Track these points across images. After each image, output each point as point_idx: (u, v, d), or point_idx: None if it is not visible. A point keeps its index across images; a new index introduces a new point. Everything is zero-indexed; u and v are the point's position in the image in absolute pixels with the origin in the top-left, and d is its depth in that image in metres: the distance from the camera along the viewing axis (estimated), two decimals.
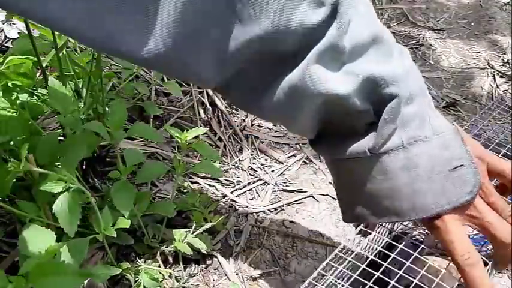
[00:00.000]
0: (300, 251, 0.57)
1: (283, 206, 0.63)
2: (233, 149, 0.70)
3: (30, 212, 0.44)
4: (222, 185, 0.64)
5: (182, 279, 0.52)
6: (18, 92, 0.49)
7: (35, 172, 0.42)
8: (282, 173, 0.68)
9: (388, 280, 0.36)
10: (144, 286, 0.47)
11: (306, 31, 0.32)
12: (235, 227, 0.59)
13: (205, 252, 0.54)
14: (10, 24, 0.84)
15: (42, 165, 0.45)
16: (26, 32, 0.49)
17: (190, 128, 0.70)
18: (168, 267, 0.53)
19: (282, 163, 0.70)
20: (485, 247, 0.42)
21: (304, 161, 0.71)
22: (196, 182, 0.64)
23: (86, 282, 0.47)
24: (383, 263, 0.38)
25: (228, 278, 0.53)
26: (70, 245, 0.41)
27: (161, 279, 0.50)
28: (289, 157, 0.71)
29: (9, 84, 0.49)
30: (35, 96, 0.54)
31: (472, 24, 1.10)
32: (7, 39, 0.82)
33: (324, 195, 0.65)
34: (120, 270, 0.47)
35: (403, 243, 0.39)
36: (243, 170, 0.68)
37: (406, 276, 0.36)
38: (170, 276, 0.51)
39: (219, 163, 0.67)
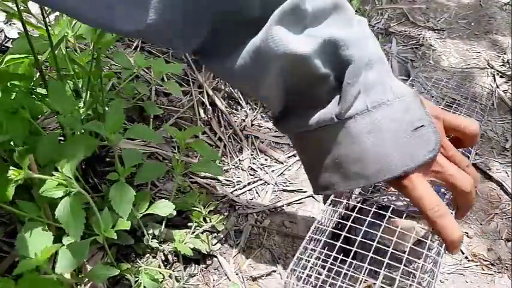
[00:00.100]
0: None
1: (283, 206, 0.63)
2: (233, 149, 0.70)
3: (30, 212, 0.44)
4: (222, 185, 0.64)
5: (182, 279, 0.52)
6: (18, 92, 0.49)
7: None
8: (282, 173, 0.68)
9: (355, 237, 0.38)
10: (144, 286, 0.47)
11: None
12: (235, 227, 0.59)
13: (205, 252, 0.54)
14: (10, 24, 0.84)
15: (42, 166, 0.45)
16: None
17: (190, 128, 0.70)
18: (168, 267, 0.53)
19: (282, 163, 0.70)
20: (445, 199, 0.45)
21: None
22: (196, 182, 0.64)
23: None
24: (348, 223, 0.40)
25: (228, 278, 0.53)
26: (70, 246, 0.41)
27: (161, 280, 0.50)
28: (289, 157, 0.71)
29: (8, 84, 0.49)
30: (34, 96, 0.54)
31: (472, 24, 1.10)
32: (7, 39, 0.82)
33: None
34: (120, 270, 0.47)
35: (369, 206, 0.41)
36: (243, 170, 0.68)
37: (371, 232, 0.39)
38: (170, 277, 0.51)
39: (219, 163, 0.67)
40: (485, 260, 0.58)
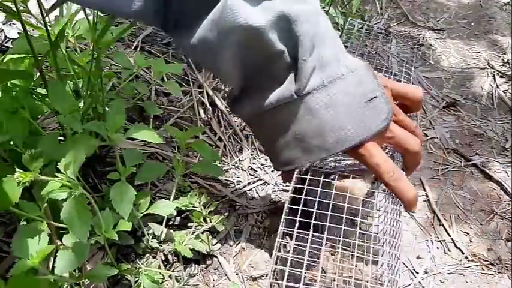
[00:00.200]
0: None
1: (283, 206, 0.63)
2: (233, 149, 0.70)
3: (30, 212, 0.44)
4: (222, 185, 0.64)
5: (182, 279, 0.52)
6: (18, 92, 0.49)
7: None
8: None
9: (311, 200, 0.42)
10: (144, 287, 0.47)
11: None
12: (235, 227, 0.59)
13: (205, 253, 0.54)
14: (10, 24, 0.84)
15: (43, 166, 0.45)
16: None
17: (190, 128, 0.70)
18: (168, 268, 0.53)
19: None
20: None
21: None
22: (196, 182, 0.64)
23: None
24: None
25: (228, 278, 0.53)
26: (72, 246, 0.41)
27: (161, 280, 0.50)
28: None
29: (9, 84, 0.49)
30: (34, 96, 0.54)
31: (472, 24, 1.10)
32: (7, 39, 0.82)
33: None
34: (120, 270, 0.47)
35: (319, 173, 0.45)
36: (243, 170, 0.68)
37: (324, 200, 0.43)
38: (170, 277, 0.51)
39: (219, 163, 0.67)
40: (485, 260, 0.58)
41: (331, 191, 0.44)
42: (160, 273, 0.51)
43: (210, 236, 0.56)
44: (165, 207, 0.52)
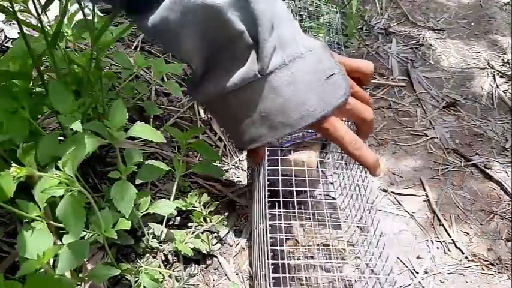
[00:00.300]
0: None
1: None
2: (233, 149, 0.70)
3: (30, 212, 0.44)
4: (222, 185, 0.64)
5: (182, 279, 0.52)
6: (18, 92, 0.49)
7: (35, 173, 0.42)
8: None
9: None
10: (144, 286, 0.47)
11: None
12: (235, 227, 0.59)
13: (205, 252, 0.54)
14: (10, 24, 0.84)
15: (43, 165, 0.45)
16: (26, 32, 0.49)
17: (190, 128, 0.70)
18: (168, 267, 0.53)
19: None
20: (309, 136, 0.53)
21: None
22: (196, 182, 0.64)
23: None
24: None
25: (228, 278, 0.53)
26: (71, 246, 0.41)
27: (161, 280, 0.50)
28: None
29: (8, 83, 0.49)
30: (34, 96, 0.54)
31: (472, 24, 1.10)
32: (7, 39, 0.82)
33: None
34: (120, 270, 0.47)
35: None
36: (243, 170, 0.68)
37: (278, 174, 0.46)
38: (170, 277, 0.51)
39: (219, 163, 0.67)
40: (485, 260, 0.58)
41: (291, 167, 0.47)
42: (160, 273, 0.51)
43: (210, 236, 0.56)
44: (165, 207, 0.52)
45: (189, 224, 0.57)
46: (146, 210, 0.52)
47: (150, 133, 0.50)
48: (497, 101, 0.86)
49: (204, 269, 0.54)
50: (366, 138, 0.52)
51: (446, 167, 0.72)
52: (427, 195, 0.67)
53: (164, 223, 0.55)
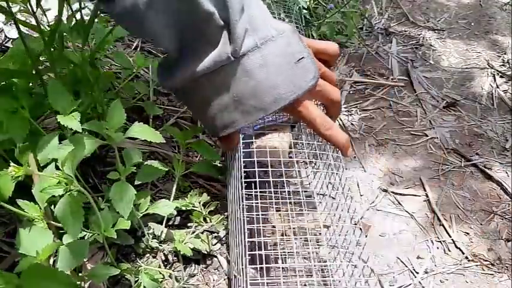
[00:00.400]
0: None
1: None
2: None
3: (30, 212, 0.44)
4: (222, 185, 0.64)
5: (182, 279, 0.52)
6: (18, 92, 0.49)
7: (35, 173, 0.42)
8: None
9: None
10: (144, 286, 0.47)
11: None
12: None
13: (205, 252, 0.54)
14: (10, 24, 0.84)
15: (42, 165, 0.45)
16: (26, 32, 0.49)
17: (190, 128, 0.70)
18: (168, 267, 0.53)
19: None
20: (279, 119, 0.55)
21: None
22: (196, 182, 0.64)
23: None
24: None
25: (228, 278, 0.53)
26: (70, 245, 0.41)
27: (161, 280, 0.50)
28: None
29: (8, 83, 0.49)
30: (33, 96, 0.54)
31: (472, 24, 1.10)
32: (7, 39, 0.82)
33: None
34: (120, 270, 0.47)
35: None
36: None
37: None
38: (170, 277, 0.51)
39: (219, 163, 0.67)
40: (485, 260, 0.58)
41: (266, 149, 0.48)
42: (160, 273, 0.51)
43: (210, 236, 0.56)
44: (165, 207, 0.52)
45: (189, 224, 0.57)
46: (146, 210, 0.52)
47: (149, 133, 0.50)
48: (497, 101, 0.86)
49: (204, 269, 0.54)
50: (336, 119, 0.53)
51: (446, 167, 0.72)
52: (427, 195, 0.67)
53: (164, 223, 0.55)
